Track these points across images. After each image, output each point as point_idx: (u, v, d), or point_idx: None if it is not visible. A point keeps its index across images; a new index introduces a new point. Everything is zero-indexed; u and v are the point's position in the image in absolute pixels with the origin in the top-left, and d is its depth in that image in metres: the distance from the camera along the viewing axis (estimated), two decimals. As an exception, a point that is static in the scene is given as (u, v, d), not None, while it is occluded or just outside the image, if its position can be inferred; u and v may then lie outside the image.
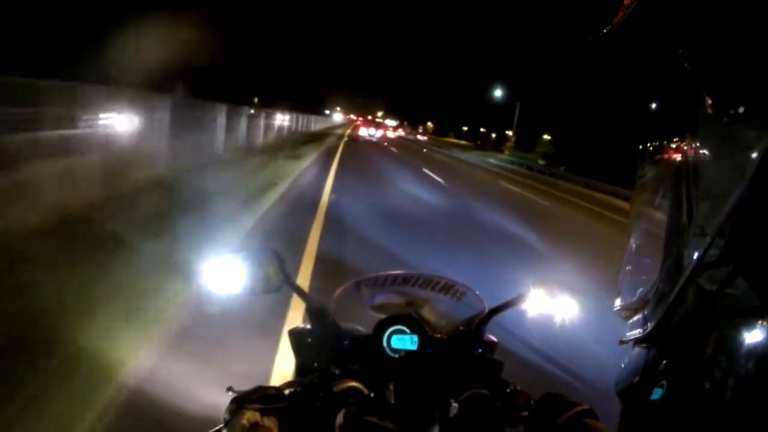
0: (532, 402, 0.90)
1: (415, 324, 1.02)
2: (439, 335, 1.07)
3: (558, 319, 1.09)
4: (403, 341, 1.01)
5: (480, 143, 63.47)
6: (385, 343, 1.00)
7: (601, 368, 3.45)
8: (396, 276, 1.14)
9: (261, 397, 0.82)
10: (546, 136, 46.22)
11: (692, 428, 0.56)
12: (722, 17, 0.61)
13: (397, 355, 1.00)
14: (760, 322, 0.54)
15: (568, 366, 3.42)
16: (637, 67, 0.69)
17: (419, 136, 76.60)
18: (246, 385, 0.85)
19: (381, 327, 1.02)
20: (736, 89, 0.60)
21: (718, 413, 0.54)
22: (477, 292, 1.11)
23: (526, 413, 0.89)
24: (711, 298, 0.57)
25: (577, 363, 3.45)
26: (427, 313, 1.11)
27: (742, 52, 0.60)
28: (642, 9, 0.66)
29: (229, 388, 0.94)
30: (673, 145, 0.68)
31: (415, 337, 1.00)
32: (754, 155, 0.55)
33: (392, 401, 0.92)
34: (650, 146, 0.76)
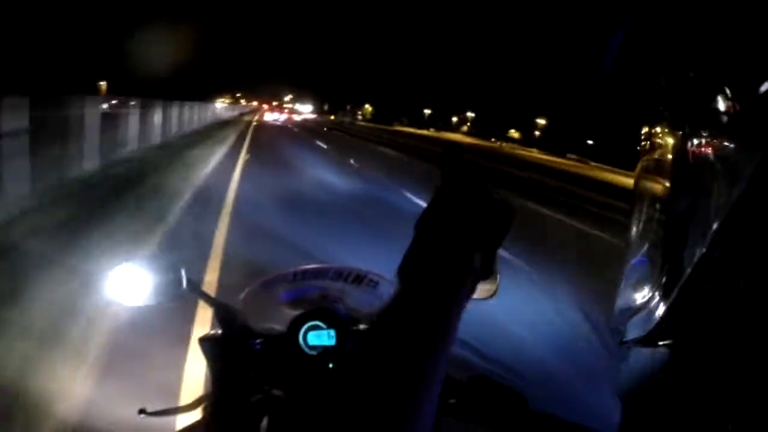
0: (460, 387, 0.86)
1: (331, 317, 0.96)
2: (357, 327, 1.01)
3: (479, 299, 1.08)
4: (320, 337, 0.95)
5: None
6: (301, 341, 0.95)
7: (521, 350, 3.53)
8: (305, 270, 1.07)
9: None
10: None
11: (694, 429, 0.55)
12: (721, 19, 0.60)
13: (315, 353, 0.94)
14: (759, 322, 0.54)
15: (488, 350, 3.36)
16: (637, 69, 0.67)
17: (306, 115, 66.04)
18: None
19: (295, 324, 0.96)
20: (735, 89, 0.60)
21: (720, 414, 0.53)
22: (390, 280, 1.04)
23: (453, 401, 0.85)
24: (711, 298, 0.57)
25: (498, 346, 3.46)
26: (342, 305, 1.06)
27: (741, 52, 0.59)
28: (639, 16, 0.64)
29: (141, 410, 0.86)
30: (674, 145, 0.67)
31: (332, 332, 0.95)
32: (754, 155, 0.54)
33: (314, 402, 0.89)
34: (650, 143, 0.76)
